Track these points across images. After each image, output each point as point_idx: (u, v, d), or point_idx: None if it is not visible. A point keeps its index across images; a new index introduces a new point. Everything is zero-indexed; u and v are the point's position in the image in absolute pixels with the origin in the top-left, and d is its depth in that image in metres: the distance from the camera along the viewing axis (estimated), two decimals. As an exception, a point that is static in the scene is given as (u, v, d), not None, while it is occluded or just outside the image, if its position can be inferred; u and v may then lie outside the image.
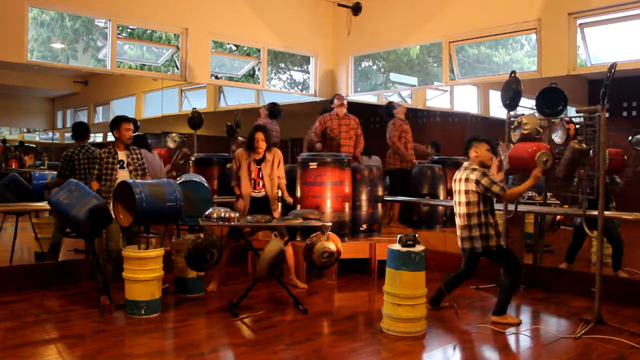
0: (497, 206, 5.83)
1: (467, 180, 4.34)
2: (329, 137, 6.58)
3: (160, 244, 4.59)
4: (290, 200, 5.33)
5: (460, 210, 4.44)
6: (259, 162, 5.26)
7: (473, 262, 4.52)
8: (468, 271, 4.58)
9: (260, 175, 5.26)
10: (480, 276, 4.90)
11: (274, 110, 7.12)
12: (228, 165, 7.03)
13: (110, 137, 5.18)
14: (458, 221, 4.49)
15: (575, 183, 4.72)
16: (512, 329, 4.20)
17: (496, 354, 3.84)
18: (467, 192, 4.34)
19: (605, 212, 4.43)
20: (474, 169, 4.34)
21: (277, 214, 5.29)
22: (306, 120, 7.76)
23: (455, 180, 4.50)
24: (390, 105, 7.24)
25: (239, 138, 7.24)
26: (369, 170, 6.28)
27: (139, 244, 4.51)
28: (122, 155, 4.91)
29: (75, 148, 5.49)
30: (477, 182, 4.26)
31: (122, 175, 4.85)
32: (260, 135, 5.18)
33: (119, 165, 4.88)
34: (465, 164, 4.47)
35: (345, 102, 6.65)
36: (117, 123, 4.88)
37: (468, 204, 4.34)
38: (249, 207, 5.24)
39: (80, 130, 5.66)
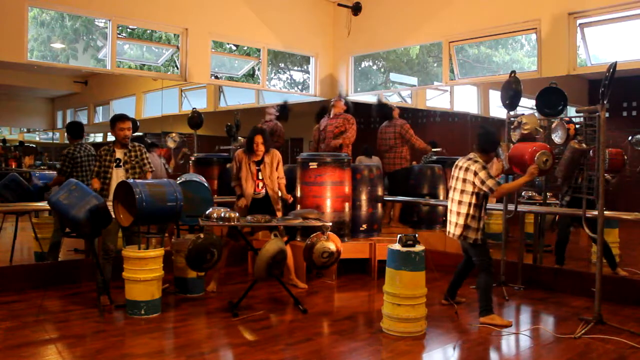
0: (497, 206, 5.87)
1: (467, 169, 4.40)
2: (321, 137, 6.71)
3: (160, 244, 4.60)
4: (288, 197, 5.32)
5: (454, 195, 4.52)
6: (258, 163, 5.26)
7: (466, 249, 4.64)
8: (468, 261, 4.68)
9: (260, 177, 5.27)
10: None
11: (284, 112, 7.17)
12: (228, 165, 7.03)
13: (111, 137, 5.20)
14: (449, 205, 4.58)
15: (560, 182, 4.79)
16: (512, 329, 4.20)
17: (496, 354, 3.84)
18: (464, 180, 4.41)
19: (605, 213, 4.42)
20: (476, 161, 4.38)
21: (280, 214, 5.30)
22: (306, 120, 7.77)
23: (456, 166, 4.55)
24: (388, 107, 7.27)
25: (239, 138, 7.24)
26: (369, 170, 6.28)
27: (139, 244, 4.51)
28: (119, 153, 4.93)
29: (75, 146, 5.52)
30: (475, 174, 4.31)
31: (118, 173, 4.86)
32: (259, 139, 5.17)
33: (115, 164, 4.89)
34: (471, 154, 4.50)
35: (340, 104, 6.69)
36: (113, 122, 4.93)
37: (462, 192, 4.42)
38: (250, 207, 5.23)
39: (76, 129, 5.68)
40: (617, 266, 5.42)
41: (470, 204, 4.37)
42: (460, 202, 4.44)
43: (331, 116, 6.70)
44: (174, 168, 7.02)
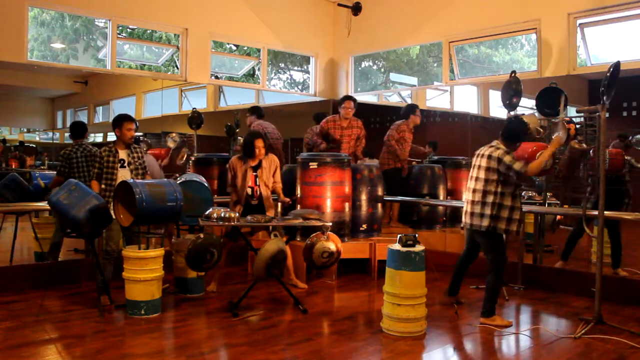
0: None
1: (489, 157, 4.24)
2: (329, 139, 6.53)
3: (160, 244, 4.60)
4: (286, 200, 5.30)
5: (476, 185, 4.32)
6: (255, 168, 5.21)
7: (475, 242, 4.49)
8: (469, 252, 4.59)
9: (257, 183, 5.21)
10: (481, 276, 4.90)
11: (258, 111, 7.01)
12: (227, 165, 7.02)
13: (110, 137, 5.18)
14: (469, 196, 4.37)
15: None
16: (512, 329, 4.20)
17: (496, 354, 3.84)
18: (487, 169, 4.23)
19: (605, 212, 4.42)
20: (499, 148, 4.24)
21: (270, 214, 5.24)
22: (306, 120, 7.77)
23: (477, 155, 4.40)
24: (411, 108, 6.99)
25: (239, 139, 7.23)
26: (369, 170, 6.28)
27: (139, 244, 4.51)
28: (123, 154, 4.89)
29: (72, 146, 5.50)
30: (499, 160, 4.16)
31: (123, 174, 4.82)
32: (260, 143, 5.09)
33: (119, 164, 4.86)
34: (494, 142, 4.35)
35: (352, 107, 6.36)
36: (119, 122, 4.85)
37: (486, 181, 4.23)
38: (244, 211, 5.14)
39: (78, 129, 5.67)
40: (619, 266, 5.42)
41: (496, 192, 4.19)
42: (485, 192, 4.23)
43: (345, 126, 6.42)
44: (173, 168, 7.01)
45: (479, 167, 4.32)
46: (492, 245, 4.29)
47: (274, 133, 6.93)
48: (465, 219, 4.40)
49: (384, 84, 9.63)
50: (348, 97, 6.48)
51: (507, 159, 4.14)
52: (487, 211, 4.21)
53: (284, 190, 5.40)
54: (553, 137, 4.27)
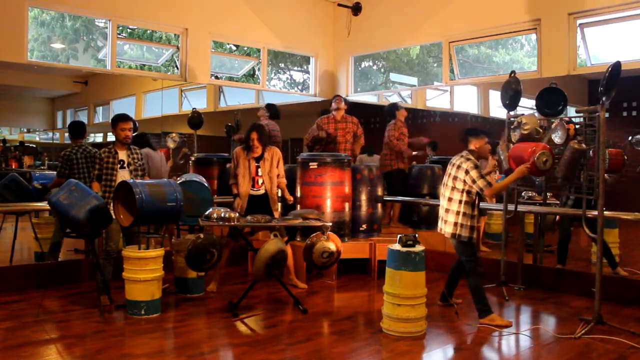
0: (497, 206, 5.87)
1: (459, 167, 4.38)
2: (328, 139, 6.58)
3: (160, 244, 4.60)
4: (290, 198, 5.32)
5: (445, 193, 4.51)
6: (257, 159, 5.24)
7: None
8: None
9: (259, 174, 5.25)
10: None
11: (273, 110, 7.10)
12: (228, 165, 7.03)
13: (110, 137, 5.19)
14: (442, 202, 4.56)
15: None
16: (512, 329, 4.20)
17: (496, 354, 3.84)
18: (455, 178, 4.39)
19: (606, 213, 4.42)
20: (468, 159, 4.37)
21: (277, 214, 5.28)
22: (306, 120, 7.76)
23: (450, 163, 4.54)
24: (393, 106, 7.19)
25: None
26: (369, 170, 6.28)
27: (139, 244, 4.51)
28: (122, 155, 4.90)
29: (72, 147, 5.51)
30: (467, 172, 4.30)
31: (123, 175, 4.83)
32: (254, 135, 5.12)
33: (119, 165, 4.86)
34: (464, 152, 4.48)
35: (342, 104, 6.60)
36: (115, 122, 4.88)
37: (453, 189, 4.40)
38: (248, 206, 5.21)
39: (77, 130, 5.67)
40: (617, 266, 5.42)
41: (461, 201, 4.36)
42: (450, 199, 4.42)
43: (339, 119, 6.56)
44: (172, 168, 7.01)
45: (449, 175, 4.48)
46: (462, 248, 4.44)
47: (277, 136, 7.01)
48: (439, 225, 4.57)
49: (384, 84, 9.63)
50: (338, 95, 6.82)
51: (473, 173, 4.29)
52: (452, 218, 4.40)
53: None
54: (521, 166, 4.42)
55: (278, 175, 5.29)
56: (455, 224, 4.37)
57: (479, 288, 4.36)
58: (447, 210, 4.45)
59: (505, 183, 4.46)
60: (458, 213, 4.37)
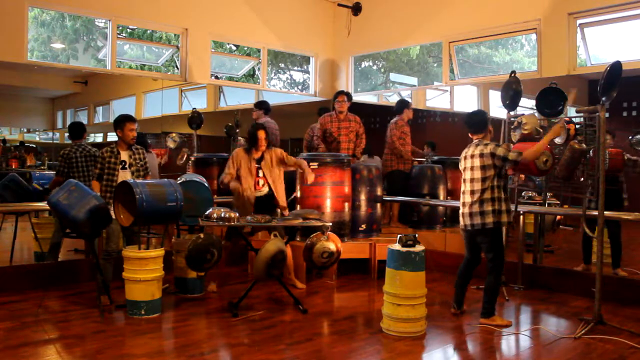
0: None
1: (481, 155, 4.23)
2: (328, 140, 6.58)
3: (161, 244, 4.59)
4: (310, 172, 5.28)
5: (473, 186, 4.29)
6: (258, 161, 5.25)
7: (476, 245, 4.43)
8: (473, 257, 4.51)
9: (260, 174, 5.25)
10: (481, 276, 4.89)
11: (266, 106, 7.02)
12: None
13: (111, 137, 5.17)
14: (467, 198, 4.34)
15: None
16: (512, 329, 4.20)
17: (496, 354, 3.84)
18: (483, 167, 4.22)
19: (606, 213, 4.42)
20: (487, 144, 4.26)
21: (286, 212, 5.27)
22: (306, 120, 7.76)
23: (465, 157, 4.40)
24: (404, 103, 7.09)
25: (240, 138, 7.23)
26: (368, 170, 6.28)
27: (139, 244, 4.51)
28: (124, 155, 4.88)
29: (72, 147, 5.51)
30: (493, 155, 4.17)
31: (124, 176, 4.81)
32: (262, 134, 5.16)
33: (120, 166, 4.85)
34: (475, 140, 4.39)
35: (345, 101, 6.52)
36: (121, 122, 4.83)
37: (484, 179, 4.22)
38: (255, 204, 5.20)
39: (77, 130, 5.67)
40: (619, 266, 5.42)
41: (493, 187, 4.20)
42: (483, 190, 4.21)
43: (342, 118, 6.52)
44: (172, 168, 7.01)
45: (472, 168, 4.31)
46: (493, 242, 4.28)
47: (277, 129, 6.98)
48: (465, 221, 4.37)
49: (384, 84, 9.63)
50: (341, 92, 6.69)
51: (499, 151, 4.16)
52: (489, 207, 4.21)
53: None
54: (553, 127, 4.32)
55: (295, 162, 5.31)
56: (494, 211, 4.18)
57: (496, 290, 4.30)
58: (479, 202, 4.22)
59: (541, 144, 4.23)
60: (494, 200, 4.19)
